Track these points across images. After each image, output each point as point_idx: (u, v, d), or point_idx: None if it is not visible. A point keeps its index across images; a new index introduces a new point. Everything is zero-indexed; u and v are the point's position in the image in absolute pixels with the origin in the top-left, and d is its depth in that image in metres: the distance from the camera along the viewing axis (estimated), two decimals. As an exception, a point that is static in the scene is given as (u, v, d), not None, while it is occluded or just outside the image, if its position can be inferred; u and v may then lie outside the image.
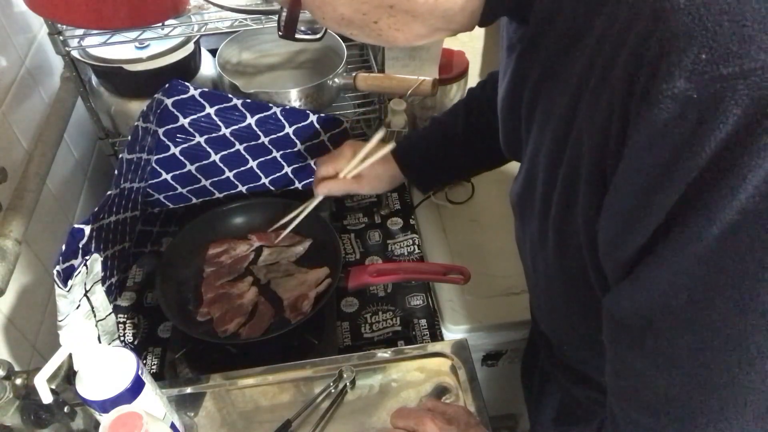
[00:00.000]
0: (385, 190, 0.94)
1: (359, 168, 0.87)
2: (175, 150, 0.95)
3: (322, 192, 0.90)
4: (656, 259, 0.38)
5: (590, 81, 0.40)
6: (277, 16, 0.54)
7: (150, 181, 0.98)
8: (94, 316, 0.82)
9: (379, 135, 0.86)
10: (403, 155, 0.90)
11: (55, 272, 0.70)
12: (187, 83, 0.88)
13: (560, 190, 0.47)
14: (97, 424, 0.66)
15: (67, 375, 0.66)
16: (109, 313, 0.87)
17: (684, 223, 0.36)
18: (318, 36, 0.64)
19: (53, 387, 0.65)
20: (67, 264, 0.72)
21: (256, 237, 1.00)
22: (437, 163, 0.90)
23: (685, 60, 0.32)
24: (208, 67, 1.03)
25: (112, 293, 0.90)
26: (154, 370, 0.89)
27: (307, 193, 1.00)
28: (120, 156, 0.82)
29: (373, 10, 0.46)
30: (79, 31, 0.89)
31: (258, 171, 1.02)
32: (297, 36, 0.53)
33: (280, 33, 0.52)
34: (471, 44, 1.31)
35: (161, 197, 1.01)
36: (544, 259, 0.56)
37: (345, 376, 0.78)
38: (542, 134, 0.49)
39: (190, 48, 0.95)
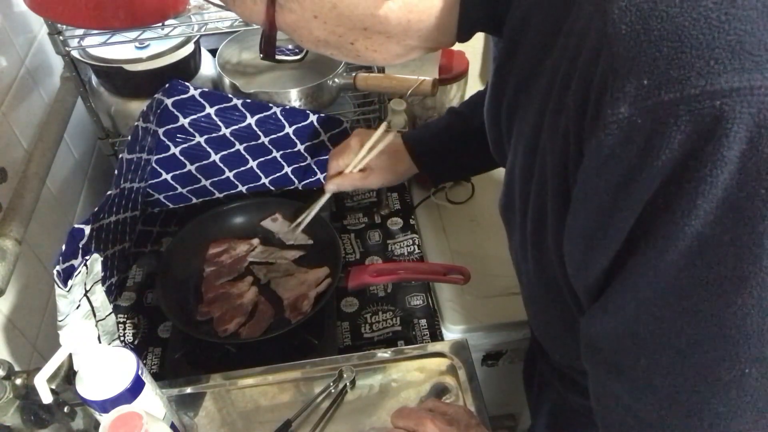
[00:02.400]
0: (397, 182, 0.92)
1: (366, 159, 0.86)
2: (175, 150, 0.95)
3: (330, 189, 0.88)
4: (620, 285, 0.38)
5: (551, 99, 0.40)
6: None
7: (150, 181, 0.98)
8: (94, 316, 0.82)
9: (384, 125, 0.85)
10: (418, 146, 0.88)
11: (55, 272, 0.70)
12: (187, 83, 0.88)
13: (533, 208, 0.48)
14: (97, 424, 0.66)
15: (67, 375, 0.66)
16: (109, 313, 0.86)
17: (642, 249, 0.36)
18: (299, 57, 0.64)
19: (53, 387, 0.65)
20: (67, 264, 0.72)
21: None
22: (453, 155, 0.88)
23: (628, 86, 0.32)
24: (208, 67, 1.03)
25: (112, 293, 0.90)
26: (154, 370, 0.89)
27: (307, 193, 1.00)
28: (120, 156, 0.82)
29: (348, 32, 0.47)
30: (79, 31, 0.89)
31: (258, 171, 1.02)
32: (278, 57, 0.53)
33: (261, 55, 0.52)
34: (471, 44, 1.31)
35: (161, 197, 1.01)
36: (526, 271, 0.56)
37: (345, 376, 0.78)
38: (517, 147, 0.49)
39: (190, 48, 0.95)
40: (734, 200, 0.31)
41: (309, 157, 1.01)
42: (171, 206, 1.03)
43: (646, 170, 0.33)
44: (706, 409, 0.38)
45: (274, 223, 1.01)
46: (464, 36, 0.50)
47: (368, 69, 1.07)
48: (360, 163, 0.86)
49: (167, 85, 0.86)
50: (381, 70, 1.06)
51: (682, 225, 0.33)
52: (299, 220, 0.95)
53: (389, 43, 0.48)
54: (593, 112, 0.34)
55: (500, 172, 0.93)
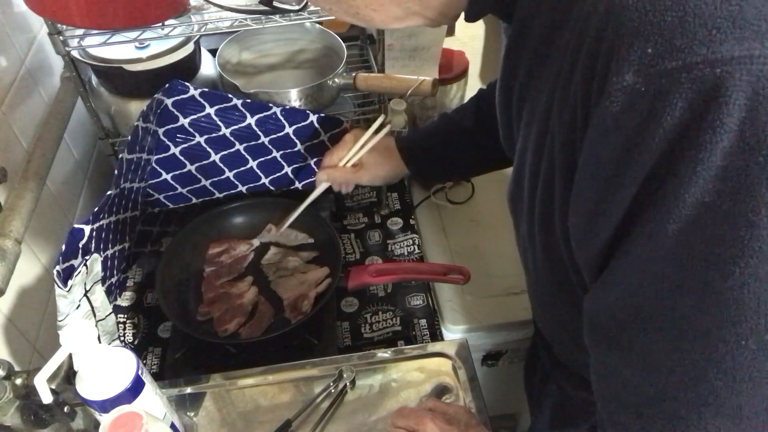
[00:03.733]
0: (387, 182, 0.93)
1: (359, 154, 0.87)
2: (175, 150, 0.95)
3: (321, 179, 0.89)
4: (622, 258, 0.39)
5: (561, 76, 0.41)
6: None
7: (150, 181, 0.98)
8: (94, 316, 0.82)
9: (379, 121, 0.86)
10: (407, 147, 0.89)
11: (55, 272, 0.70)
12: (187, 83, 0.88)
13: (541, 187, 0.48)
14: (97, 424, 0.66)
15: (67, 375, 0.66)
16: (109, 313, 0.87)
17: (643, 219, 0.36)
18: (298, 6, 0.63)
19: (53, 387, 0.65)
20: (67, 264, 0.72)
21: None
22: (441, 158, 0.89)
23: (633, 55, 0.33)
24: (208, 67, 1.03)
25: (112, 293, 0.90)
26: (154, 370, 0.89)
27: (307, 193, 0.99)
28: (120, 156, 0.82)
29: None
30: (79, 31, 0.89)
31: (258, 171, 1.02)
32: (275, 4, 0.53)
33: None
34: (471, 44, 1.31)
35: (161, 197, 1.01)
36: (533, 258, 0.56)
37: (345, 376, 0.78)
38: (528, 133, 0.50)
39: (190, 48, 0.95)
40: (733, 168, 0.32)
41: (309, 157, 1.01)
42: (171, 206, 1.03)
43: (649, 137, 0.33)
44: (704, 381, 0.39)
45: (270, 234, 1.01)
46: (472, 16, 0.50)
47: (368, 69, 1.07)
48: (354, 157, 0.88)
49: (167, 85, 0.86)
50: (381, 70, 1.07)
51: (683, 193, 0.33)
52: (290, 216, 0.96)
53: (391, 3, 0.48)
54: (599, 81, 0.35)
55: (499, 172, 0.93)
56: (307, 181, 1.05)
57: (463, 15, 0.51)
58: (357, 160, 0.88)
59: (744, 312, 0.35)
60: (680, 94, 0.32)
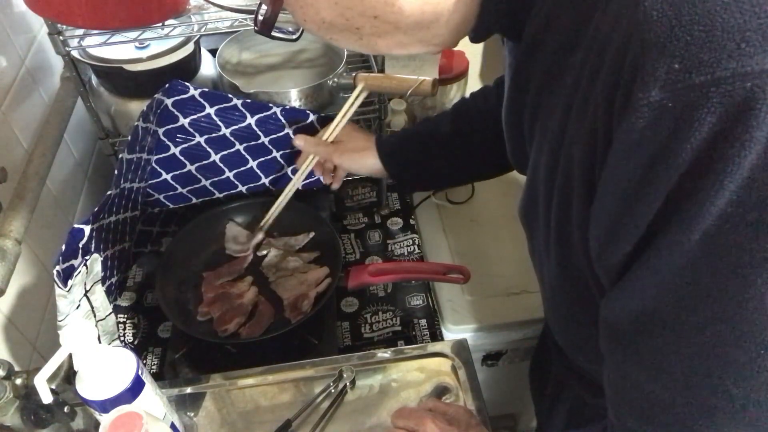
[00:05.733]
0: (361, 174, 0.93)
1: (340, 126, 0.88)
2: (175, 150, 0.95)
3: (297, 142, 0.91)
4: (643, 265, 0.39)
5: (578, 93, 0.41)
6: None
7: (150, 181, 0.98)
8: (94, 316, 0.82)
9: (358, 89, 0.87)
10: (384, 146, 0.88)
11: (55, 272, 0.70)
12: (187, 83, 0.88)
13: (557, 201, 0.48)
14: (97, 424, 0.66)
15: (67, 375, 0.66)
16: (109, 313, 0.87)
17: (666, 230, 0.36)
18: (294, 37, 0.63)
19: (53, 387, 0.65)
20: (67, 264, 0.72)
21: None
22: (416, 162, 0.88)
23: (659, 70, 0.33)
24: (208, 67, 1.03)
25: (112, 293, 0.90)
26: (154, 370, 0.89)
27: (308, 193, 1.00)
28: (120, 156, 0.82)
29: (356, 17, 0.46)
30: (79, 31, 0.89)
31: (258, 171, 1.02)
32: (273, 34, 0.53)
33: (256, 28, 0.51)
34: (471, 44, 1.31)
35: (161, 197, 1.01)
36: (549, 271, 0.56)
37: (345, 376, 0.78)
38: (541, 148, 0.50)
39: (190, 48, 0.95)
40: (759, 179, 0.32)
41: (309, 157, 1.01)
42: (171, 206, 1.03)
43: (676, 152, 0.33)
44: (720, 390, 0.38)
45: (259, 237, 1.00)
46: (480, 37, 0.50)
47: (368, 69, 1.07)
48: (333, 131, 0.88)
49: (167, 85, 0.86)
50: (381, 70, 1.06)
51: (708, 205, 0.33)
52: (268, 214, 0.96)
53: (396, 33, 0.47)
54: (623, 98, 0.35)
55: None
56: (308, 181, 1.05)
57: (468, 36, 0.51)
58: (337, 133, 0.89)
59: (764, 323, 0.35)
60: (709, 108, 0.31)
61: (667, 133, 0.33)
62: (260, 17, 0.50)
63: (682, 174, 0.34)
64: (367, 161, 0.89)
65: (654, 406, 0.43)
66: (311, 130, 0.97)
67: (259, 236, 0.99)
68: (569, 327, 0.63)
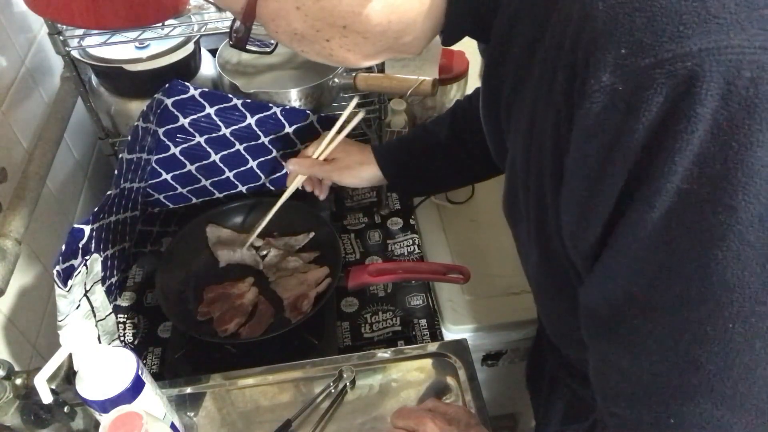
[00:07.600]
0: (364, 184, 0.91)
1: (333, 145, 0.87)
2: (175, 150, 0.95)
3: (289, 168, 0.89)
4: (613, 247, 0.40)
5: (543, 86, 0.43)
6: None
7: (150, 181, 0.98)
8: (94, 316, 0.82)
9: (352, 103, 0.86)
10: (382, 154, 0.88)
11: (55, 272, 0.70)
12: (187, 83, 0.88)
13: (533, 192, 0.49)
14: (97, 424, 0.66)
15: (67, 375, 0.66)
16: (109, 313, 0.87)
17: (629, 210, 0.38)
18: (269, 50, 0.64)
19: (53, 387, 0.65)
20: (67, 264, 0.72)
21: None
22: (415, 169, 0.88)
23: (608, 56, 0.35)
24: (208, 67, 1.03)
25: (112, 293, 0.90)
26: (154, 370, 0.89)
27: (307, 194, 0.99)
28: (120, 156, 0.82)
29: (326, 28, 0.47)
30: (79, 31, 0.89)
31: (258, 171, 1.02)
32: (248, 47, 0.54)
33: (230, 42, 0.53)
34: (471, 44, 1.31)
35: (161, 197, 1.01)
36: (532, 263, 0.57)
37: (345, 376, 0.78)
38: (516, 143, 0.51)
39: (190, 48, 0.95)
40: (709, 155, 0.33)
41: (309, 157, 1.01)
42: (171, 206, 1.03)
43: (630, 133, 0.35)
44: (696, 366, 0.39)
45: (252, 243, 0.99)
46: (449, 40, 0.52)
47: (368, 69, 1.07)
48: (325, 150, 0.87)
49: (167, 85, 0.86)
50: (381, 70, 1.07)
51: (664, 182, 0.35)
52: (260, 222, 0.95)
53: (365, 43, 0.49)
54: (579, 85, 0.37)
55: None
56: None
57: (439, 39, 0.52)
58: (329, 153, 0.87)
59: (729, 296, 0.36)
60: (655, 89, 0.33)
61: (620, 115, 0.35)
62: (234, 33, 0.51)
63: (638, 153, 0.35)
64: (367, 174, 0.89)
65: (637, 389, 0.44)
66: (311, 130, 0.97)
67: (247, 251, 0.98)
68: (556, 318, 0.63)
